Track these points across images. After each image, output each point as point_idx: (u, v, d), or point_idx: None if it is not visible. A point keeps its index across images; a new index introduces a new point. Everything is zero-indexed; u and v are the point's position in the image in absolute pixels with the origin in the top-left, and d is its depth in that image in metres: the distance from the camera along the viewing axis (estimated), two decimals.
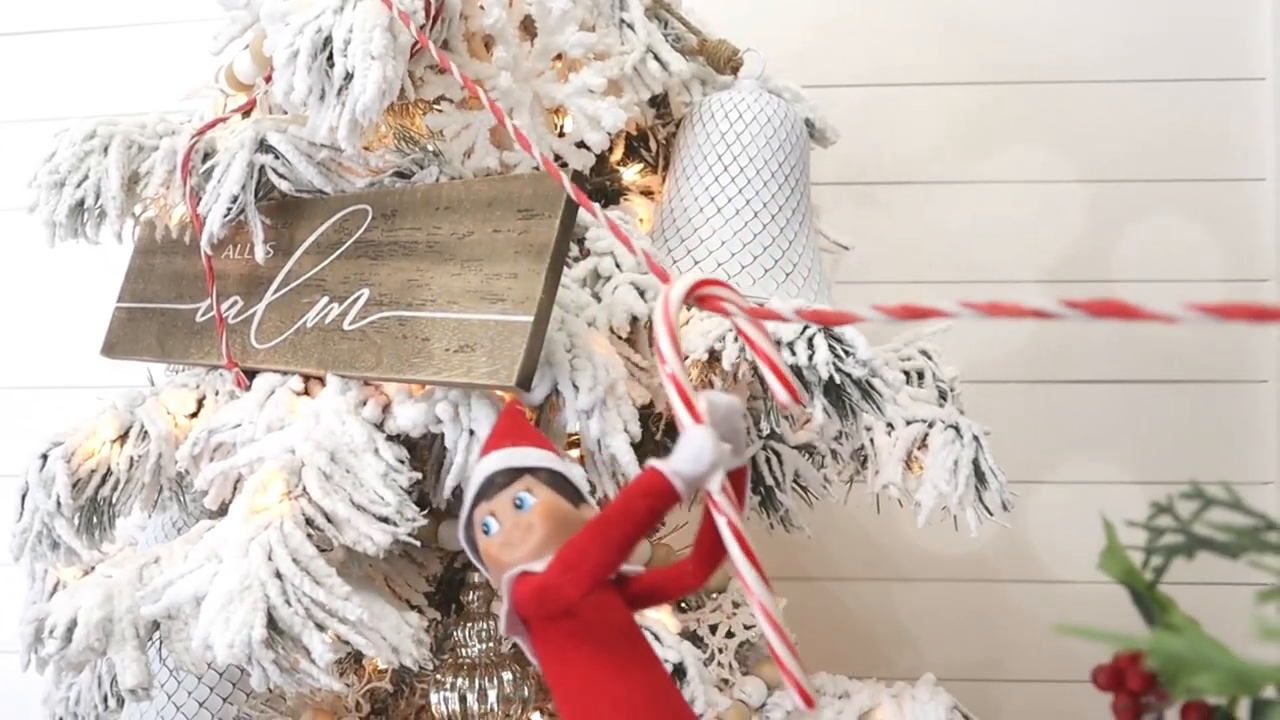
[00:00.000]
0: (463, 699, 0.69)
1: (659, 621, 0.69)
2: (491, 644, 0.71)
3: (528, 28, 0.73)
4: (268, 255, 0.71)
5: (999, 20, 1.19)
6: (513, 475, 0.42)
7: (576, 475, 0.45)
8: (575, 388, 0.59)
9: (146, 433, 0.69)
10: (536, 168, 0.72)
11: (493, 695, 0.69)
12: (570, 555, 0.36)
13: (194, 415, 0.72)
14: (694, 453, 0.33)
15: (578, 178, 0.76)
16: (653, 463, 0.34)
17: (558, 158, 0.74)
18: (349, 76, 0.60)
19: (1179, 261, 1.17)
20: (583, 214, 0.67)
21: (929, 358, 0.83)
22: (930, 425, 0.72)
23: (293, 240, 0.71)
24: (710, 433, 0.33)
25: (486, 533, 0.41)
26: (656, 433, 0.74)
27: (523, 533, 0.40)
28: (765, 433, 0.78)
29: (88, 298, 1.06)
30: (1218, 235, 1.17)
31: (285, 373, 0.68)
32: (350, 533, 0.57)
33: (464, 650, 0.71)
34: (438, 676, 0.70)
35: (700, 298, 0.36)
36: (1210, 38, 1.18)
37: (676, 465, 0.33)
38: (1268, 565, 0.26)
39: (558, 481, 0.42)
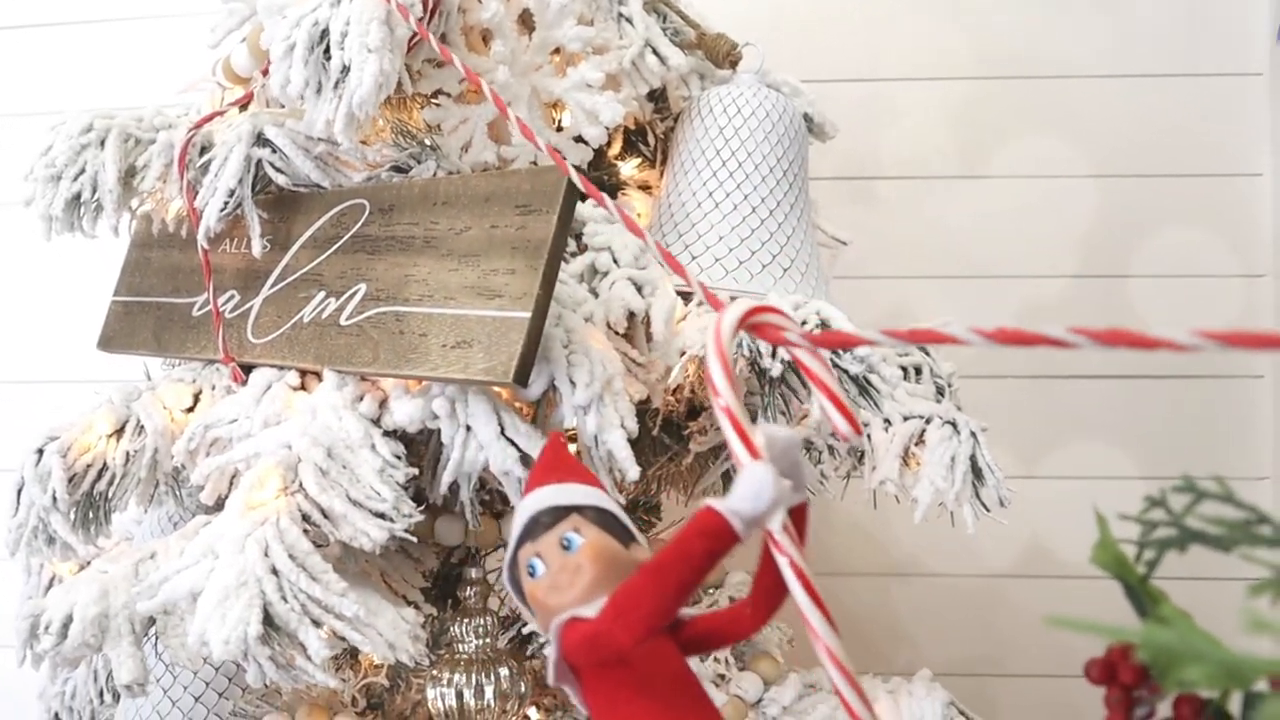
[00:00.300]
0: (459, 695, 0.69)
1: None
2: (488, 640, 0.71)
3: (525, 21, 0.73)
4: (265, 249, 0.71)
5: (998, 16, 1.19)
6: (559, 514, 0.39)
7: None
8: (572, 383, 0.58)
9: (143, 427, 0.69)
10: (534, 162, 0.72)
11: (489, 691, 0.69)
12: (623, 601, 0.34)
13: (190, 410, 0.72)
14: (753, 490, 0.31)
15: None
16: (710, 502, 0.32)
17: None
18: (345, 69, 0.60)
19: (1176, 257, 1.17)
20: (580, 209, 0.67)
21: (926, 353, 0.83)
22: (927, 421, 0.72)
23: (290, 235, 0.71)
24: (770, 469, 0.31)
25: (532, 575, 0.39)
26: (653, 428, 0.74)
27: (571, 575, 0.38)
28: None
29: (84, 292, 1.06)
30: (1215, 230, 1.17)
31: (282, 368, 0.68)
32: (347, 528, 0.57)
33: (461, 646, 0.71)
34: (434, 672, 0.70)
35: (753, 326, 0.34)
36: (1207, 34, 1.18)
37: (735, 504, 0.31)
38: (1259, 559, 0.26)
39: (606, 520, 0.40)
